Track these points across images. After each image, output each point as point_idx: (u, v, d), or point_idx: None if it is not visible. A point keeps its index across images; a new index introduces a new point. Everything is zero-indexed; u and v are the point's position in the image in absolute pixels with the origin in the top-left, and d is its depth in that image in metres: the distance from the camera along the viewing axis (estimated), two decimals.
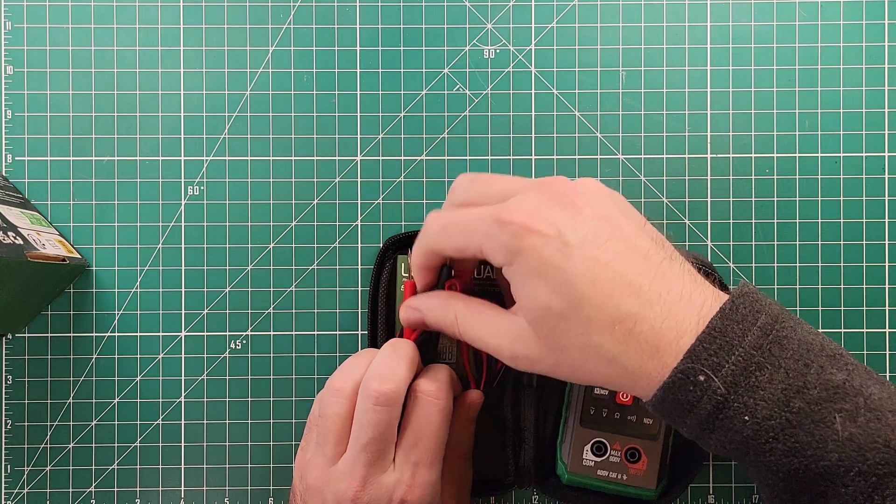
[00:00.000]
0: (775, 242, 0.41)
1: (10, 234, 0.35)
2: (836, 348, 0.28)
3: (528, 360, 0.31)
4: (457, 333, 0.33)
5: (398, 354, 0.33)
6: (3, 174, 0.41)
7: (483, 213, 0.30)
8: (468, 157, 0.42)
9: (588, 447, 0.36)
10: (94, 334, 0.41)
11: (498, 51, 0.42)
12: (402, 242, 0.39)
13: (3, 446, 0.41)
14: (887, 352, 0.41)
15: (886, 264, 0.41)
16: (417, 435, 0.33)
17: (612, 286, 0.28)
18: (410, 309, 0.35)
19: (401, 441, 0.33)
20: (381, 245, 0.40)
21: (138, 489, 0.41)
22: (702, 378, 0.26)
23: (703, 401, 0.27)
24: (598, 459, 0.36)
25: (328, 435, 0.33)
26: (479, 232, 0.30)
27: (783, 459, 0.26)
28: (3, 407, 0.41)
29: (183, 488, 0.41)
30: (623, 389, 0.30)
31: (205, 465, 0.41)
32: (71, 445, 0.41)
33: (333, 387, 0.33)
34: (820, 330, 0.41)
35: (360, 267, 0.41)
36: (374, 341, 0.39)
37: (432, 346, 0.37)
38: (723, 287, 0.35)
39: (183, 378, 0.41)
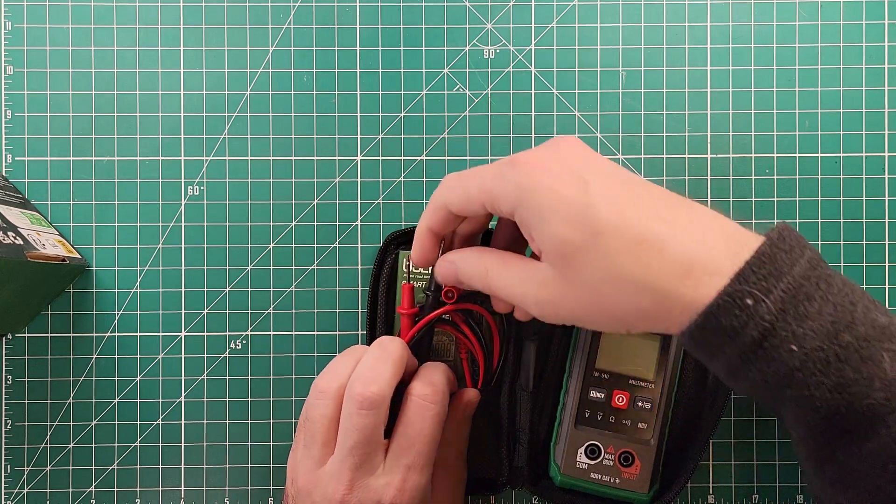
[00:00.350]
0: None
1: (10, 234, 0.35)
2: (871, 297, 0.27)
3: (552, 306, 0.29)
4: (487, 286, 0.32)
5: (384, 356, 0.33)
6: (3, 174, 0.41)
7: (495, 163, 0.30)
8: (468, 157, 0.42)
9: (582, 450, 0.36)
10: (94, 334, 0.41)
11: (498, 51, 0.42)
12: (404, 238, 0.39)
13: (3, 446, 0.41)
14: None
15: (886, 264, 0.41)
16: (410, 439, 0.33)
17: (635, 209, 0.27)
18: (445, 262, 0.34)
19: (393, 443, 0.33)
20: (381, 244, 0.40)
21: (138, 489, 0.41)
22: (749, 301, 0.25)
23: (749, 326, 0.25)
24: (592, 462, 0.36)
25: (315, 437, 0.33)
26: (490, 174, 0.30)
27: (827, 395, 0.25)
28: (3, 407, 0.41)
29: (183, 488, 0.41)
30: (656, 324, 0.28)
31: (205, 465, 0.41)
32: (71, 445, 0.41)
33: (319, 388, 0.33)
34: None
35: (360, 267, 0.41)
36: (373, 339, 0.39)
37: (426, 344, 0.37)
38: None
39: (183, 378, 0.41)
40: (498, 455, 0.39)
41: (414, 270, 0.38)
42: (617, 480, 0.36)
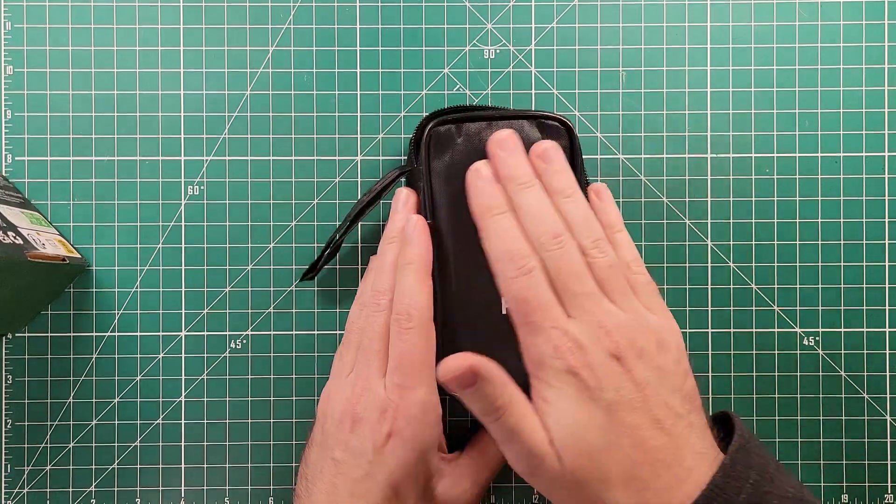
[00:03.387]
0: (775, 242, 0.41)
1: (10, 233, 0.35)
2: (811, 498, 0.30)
3: (542, 476, 0.31)
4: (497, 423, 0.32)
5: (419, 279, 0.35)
6: (3, 174, 0.41)
7: (551, 317, 0.31)
8: None
9: None
10: (94, 334, 0.41)
11: (498, 51, 0.42)
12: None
13: (3, 446, 0.41)
14: (887, 351, 0.41)
15: (886, 264, 0.41)
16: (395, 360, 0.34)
17: (627, 453, 0.30)
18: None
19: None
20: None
21: (138, 489, 0.41)
22: None
23: None
24: None
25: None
26: (540, 336, 0.31)
27: None
28: (3, 407, 0.41)
29: (183, 488, 0.41)
30: None
31: (205, 465, 0.41)
32: (71, 445, 0.41)
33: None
34: (820, 329, 0.41)
35: (359, 266, 0.41)
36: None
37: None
38: None
39: (183, 378, 0.41)
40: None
41: None
42: None
